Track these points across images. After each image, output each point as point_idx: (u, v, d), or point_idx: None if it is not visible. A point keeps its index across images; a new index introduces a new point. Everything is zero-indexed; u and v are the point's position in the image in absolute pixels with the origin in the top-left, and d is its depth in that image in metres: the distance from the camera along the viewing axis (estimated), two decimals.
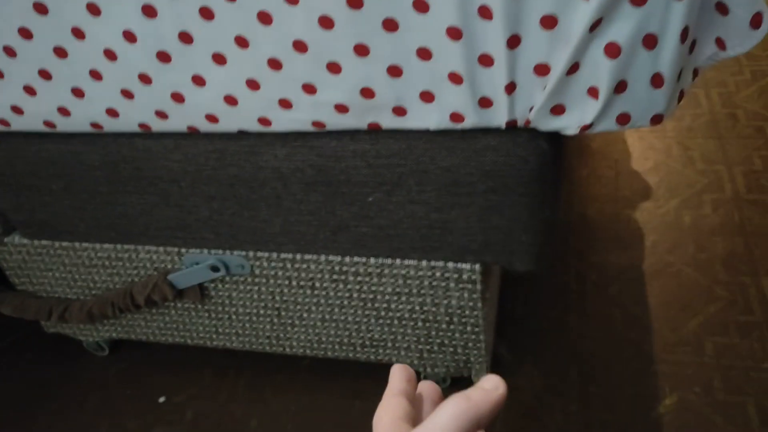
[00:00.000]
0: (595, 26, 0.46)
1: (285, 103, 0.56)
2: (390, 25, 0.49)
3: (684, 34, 0.46)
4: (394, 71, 0.52)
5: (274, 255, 0.71)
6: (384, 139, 0.58)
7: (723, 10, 0.47)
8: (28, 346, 0.96)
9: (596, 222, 0.98)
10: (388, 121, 0.56)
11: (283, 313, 0.77)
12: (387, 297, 0.71)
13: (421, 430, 0.30)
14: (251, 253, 0.71)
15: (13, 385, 0.92)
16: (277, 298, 0.75)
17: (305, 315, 0.76)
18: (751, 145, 1.05)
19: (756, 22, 0.47)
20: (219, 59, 0.54)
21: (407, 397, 0.35)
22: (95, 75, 0.57)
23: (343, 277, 0.70)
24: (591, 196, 1.03)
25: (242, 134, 0.60)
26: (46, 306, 0.84)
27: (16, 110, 0.62)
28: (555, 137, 0.56)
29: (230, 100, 0.56)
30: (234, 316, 0.80)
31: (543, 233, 0.62)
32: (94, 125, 0.62)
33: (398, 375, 0.36)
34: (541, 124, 0.53)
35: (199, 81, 0.56)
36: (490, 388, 0.31)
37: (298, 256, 0.70)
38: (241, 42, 0.52)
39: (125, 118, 0.60)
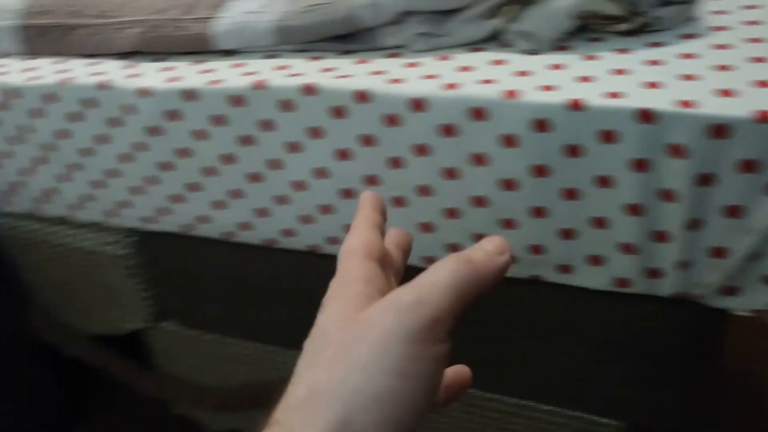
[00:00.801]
0: None
1: (453, 248, 0.59)
2: (571, 194, 0.52)
3: None
4: (567, 234, 0.54)
5: None
6: (545, 290, 0.59)
7: None
8: (152, 426, 1.01)
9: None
10: (553, 277, 0.58)
11: None
12: None
13: (414, 289, 0.25)
14: None
15: None
16: None
17: None
18: None
19: None
20: (398, 201, 0.58)
21: (378, 227, 0.29)
22: (282, 200, 0.63)
23: (477, 410, 0.71)
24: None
25: None
26: (183, 389, 0.89)
27: (203, 220, 0.69)
28: (719, 311, 0.56)
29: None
30: None
31: (692, 401, 0.61)
32: (268, 241, 0.68)
33: (371, 203, 0.30)
34: (709, 301, 0.53)
35: None
36: (494, 251, 0.26)
37: None
38: (425, 191, 0.56)
39: (299, 240, 0.66)
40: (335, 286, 0.27)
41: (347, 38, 0.60)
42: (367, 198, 0.30)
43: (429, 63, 0.56)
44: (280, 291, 0.72)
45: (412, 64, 0.56)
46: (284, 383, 0.85)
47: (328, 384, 0.24)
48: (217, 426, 0.94)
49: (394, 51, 0.59)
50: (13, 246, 0.85)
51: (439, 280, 0.25)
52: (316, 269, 0.68)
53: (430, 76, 0.54)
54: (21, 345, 0.91)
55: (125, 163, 0.67)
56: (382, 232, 0.30)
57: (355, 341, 0.24)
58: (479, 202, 0.55)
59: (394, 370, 0.23)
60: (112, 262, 0.77)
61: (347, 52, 0.60)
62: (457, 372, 0.34)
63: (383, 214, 0.30)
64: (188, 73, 0.61)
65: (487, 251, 0.26)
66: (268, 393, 0.83)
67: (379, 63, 0.58)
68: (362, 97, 0.54)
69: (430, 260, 0.61)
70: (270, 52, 0.63)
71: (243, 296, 0.74)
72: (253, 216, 0.66)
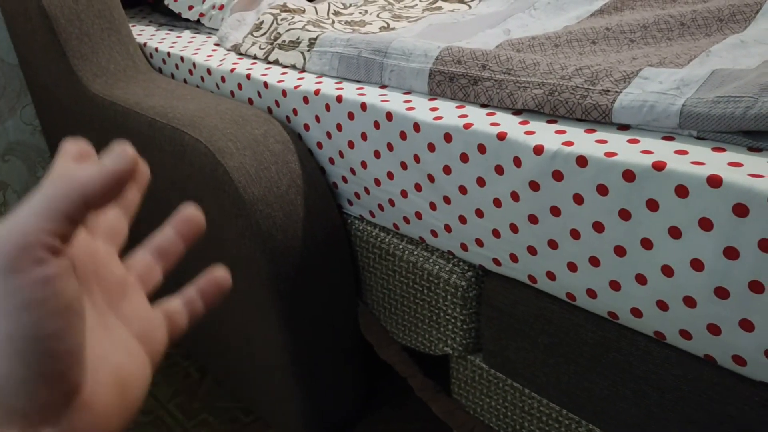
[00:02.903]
0: None
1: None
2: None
3: None
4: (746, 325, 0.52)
5: None
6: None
7: None
8: None
9: None
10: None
11: None
12: None
13: (12, 219, 0.25)
14: None
15: None
16: None
17: None
18: None
19: None
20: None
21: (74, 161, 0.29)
22: (641, 279, 0.63)
23: None
24: None
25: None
26: (472, 424, 0.92)
27: (550, 276, 0.71)
28: None
29: None
30: None
31: None
32: (611, 314, 0.68)
33: (66, 149, 0.30)
34: None
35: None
36: (110, 163, 0.25)
37: None
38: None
39: (644, 323, 0.64)
40: None
41: (759, 134, 0.58)
42: (63, 145, 0.31)
43: None
44: (604, 365, 0.71)
45: None
46: None
47: None
48: None
49: None
50: (359, 248, 0.97)
51: (28, 205, 0.25)
52: (651, 355, 0.67)
53: None
54: (343, 335, 1.03)
55: (493, 207, 0.73)
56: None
57: None
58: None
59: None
60: (449, 289, 0.84)
61: (756, 149, 0.58)
62: (211, 275, 0.34)
63: (83, 155, 0.31)
64: (581, 140, 0.65)
65: (103, 163, 0.26)
66: None
67: None
68: None
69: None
70: (667, 134, 0.63)
71: (563, 358, 0.75)
72: (605, 287, 0.66)
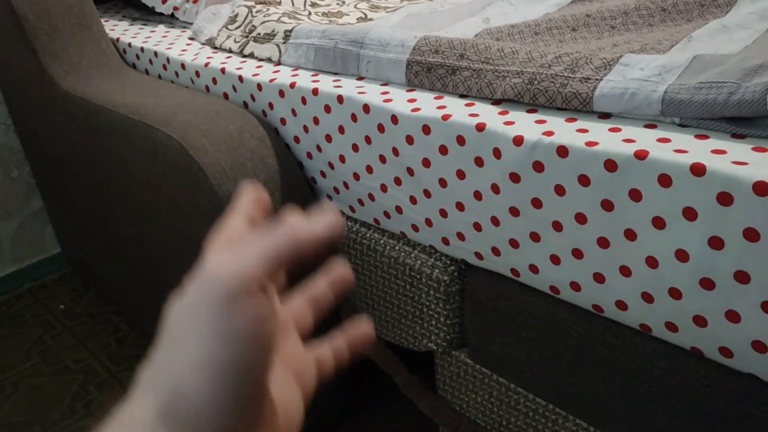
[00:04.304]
0: None
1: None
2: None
3: None
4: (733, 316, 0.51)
5: None
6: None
7: None
8: None
9: None
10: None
11: None
12: None
13: (221, 253, 0.27)
14: None
15: None
16: None
17: None
18: None
19: None
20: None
21: (248, 218, 0.31)
22: (625, 272, 0.61)
23: None
24: None
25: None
26: (458, 420, 0.91)
27: (533, 269, 0.70)
28: None
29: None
30: None
31: None
32: (596, 307, 0.66)
33: (246, 195, 0.32)
34: None
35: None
36: (322, 223, 0.28)
37: None
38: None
39: (630, 316, 0.63)
40: (191, 280, 0.29)
41: (743, 121, 0.57)
42: (243, 189, 0.33)
43: None
44: (590, 359, 0.70)
45: None
46: None
47: (162, 362, 0.27)
48: None
49: None
50: (340, 244, 0.95)
51: (250, 243, 0.27)
52: (637, 348, 0.65)
53: None
54: (325, 333, 1.01)
55: (474, 200, 0.71)
56: (254, 217, 0.32)
57: (178, 319, 0.27)
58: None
59: (212, 337, 0.25)
60: (431, 284, 0.82)
61: (739, 136, 0.57)
62: (358, 327, 0.37)
63: (260, 203, 0.32)
64: (561, 129, 0.63)
65: (316, 223, 0.28)
66: None
67: None
68: (762, 189, 0.49)
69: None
70: (649, 122, 0.62)
71: (548, 352, 0.73)
72: (589, 279, 0.65)
